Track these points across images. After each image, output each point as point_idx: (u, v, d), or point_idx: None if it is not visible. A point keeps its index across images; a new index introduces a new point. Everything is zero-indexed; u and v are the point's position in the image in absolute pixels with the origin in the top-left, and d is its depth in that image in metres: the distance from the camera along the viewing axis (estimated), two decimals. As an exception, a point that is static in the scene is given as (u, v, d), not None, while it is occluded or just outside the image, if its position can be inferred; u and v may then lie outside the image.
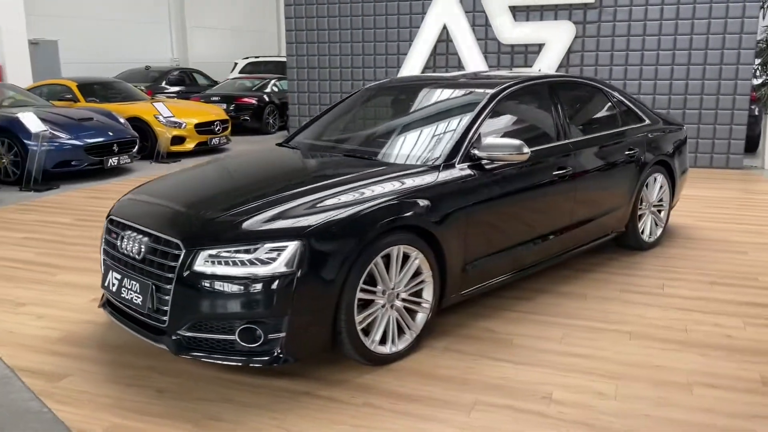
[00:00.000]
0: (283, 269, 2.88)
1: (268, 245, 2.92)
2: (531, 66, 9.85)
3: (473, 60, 10.09)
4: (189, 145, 10.86)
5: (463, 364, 3.33)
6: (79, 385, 3.12)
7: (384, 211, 3.19)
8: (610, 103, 5.06)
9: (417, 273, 3.40)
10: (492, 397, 3.01)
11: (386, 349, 3.30)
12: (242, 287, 2.87)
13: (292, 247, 2.91)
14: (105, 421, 2.80)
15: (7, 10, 13.80)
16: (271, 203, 3.18)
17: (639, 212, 5.11)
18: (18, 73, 13.95)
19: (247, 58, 18.28)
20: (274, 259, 2.89)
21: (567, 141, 4.40)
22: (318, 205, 3.16)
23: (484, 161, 3.78)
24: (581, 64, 9.72)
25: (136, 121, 10.48)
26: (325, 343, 3.06)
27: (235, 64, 18.61)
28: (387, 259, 3.23)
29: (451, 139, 3.81)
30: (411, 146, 3.92)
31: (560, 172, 4.22)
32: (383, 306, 3.27)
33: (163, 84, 15.67)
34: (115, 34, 17.11)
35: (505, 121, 4.27)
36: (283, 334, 2.91)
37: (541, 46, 9.81)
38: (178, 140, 10.75)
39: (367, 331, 3.22)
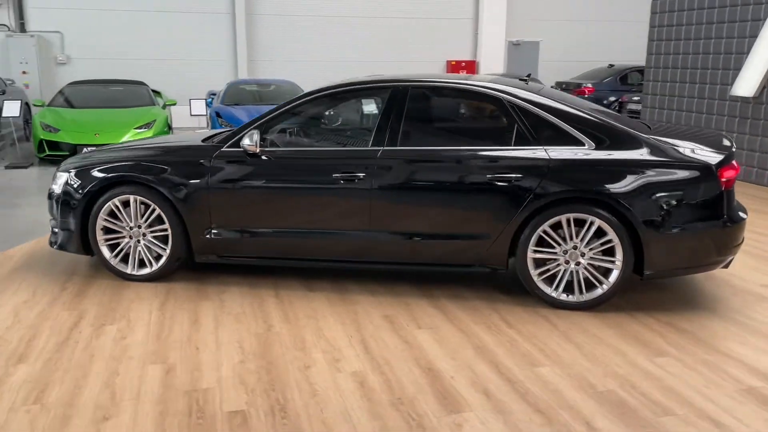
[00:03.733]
0: (57, 190, 4.63)
1: (60, 173, 4.69)
2: None
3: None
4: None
5: (124, 300, 4.29)
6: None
7: (113, 168, 4.45)
8: (503, 119, 4.15)
9: (162, 222, 4.48)
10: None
11: (133, 270, 4.55)
12: (48, 198, 4.76)
13: (63, 176, 4.62)
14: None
15: (490, 15, 16.81)
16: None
17: (536, 255, 4.06)
18: (490, 69, 16.90)
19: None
20: (57, 182, 4.67)
21: (374, 149, 4.18)
22: (97, 156, 4.68)
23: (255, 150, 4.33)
24: None
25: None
26: (79, 248, 4.61)
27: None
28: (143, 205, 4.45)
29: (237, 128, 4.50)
30: (228, 133, 4.71)
31: (346, 175, 4.16)
32: (130, 237, 4.54)
33: (616, 81, 15.92)
34: (596, 35, 17.94)
35: (304, 120, 4.44)
36: (57, 231, 4.68)
37: None
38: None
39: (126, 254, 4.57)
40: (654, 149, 3.98)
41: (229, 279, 4.61)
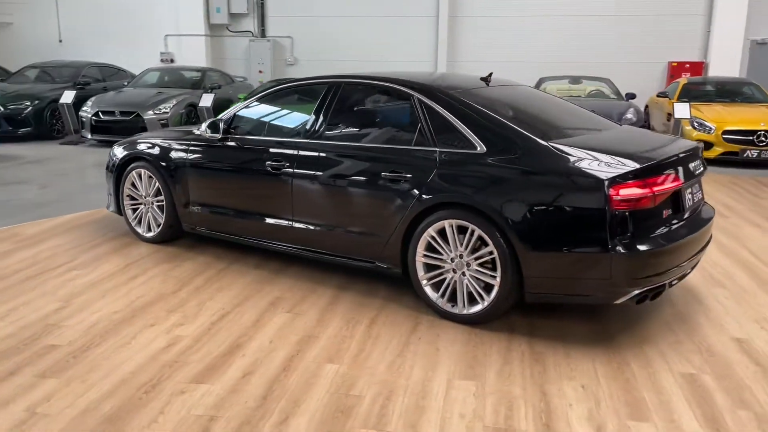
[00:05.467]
0: (108, 163, 5.74)
1: (112, 149, 5.81)
2: None
3: None
4: (713, 153, 10.01)
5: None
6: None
7: (138, 146, 5.36)
8: (411, 117, 3.99)
9: (160, 194, 5.30)
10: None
11: (143, 233, 5.48)
12: (105, 169, 5.90)
13: (111, 151, 5.72)
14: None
15: (726, 10, 14.67)
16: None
17: (425, 259, 3.89)
18: (724, 71, 14.79)
19: None
20: (109, 156, 5.78)
21: (300, 141, 4.40)
22: (138, 136, 5.66)
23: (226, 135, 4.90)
24: None
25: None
26: (117, 211, 5.67)
27: None
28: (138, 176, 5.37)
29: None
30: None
31: (273, 164, 4.46)
32: (144, 205, 5.46)
33: None
34: None
35: (264, 111, 4.77)
36: (109, 196, 5.81)
37: None
38: (706, 146, 10.07)
39: (139, 220, 5.53)
40: (544, 157, 3.51)
41: (209, 249, 5.23)
